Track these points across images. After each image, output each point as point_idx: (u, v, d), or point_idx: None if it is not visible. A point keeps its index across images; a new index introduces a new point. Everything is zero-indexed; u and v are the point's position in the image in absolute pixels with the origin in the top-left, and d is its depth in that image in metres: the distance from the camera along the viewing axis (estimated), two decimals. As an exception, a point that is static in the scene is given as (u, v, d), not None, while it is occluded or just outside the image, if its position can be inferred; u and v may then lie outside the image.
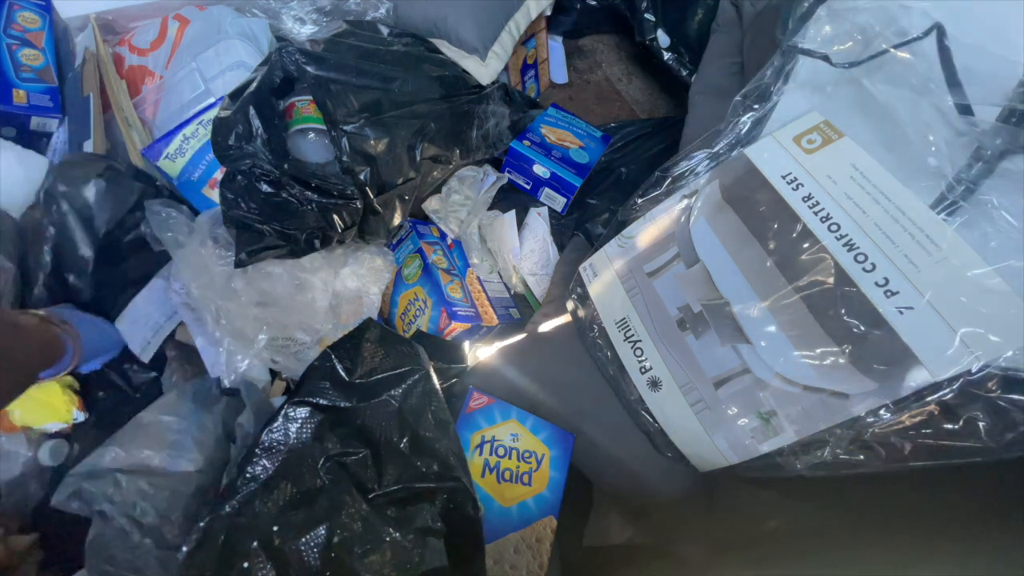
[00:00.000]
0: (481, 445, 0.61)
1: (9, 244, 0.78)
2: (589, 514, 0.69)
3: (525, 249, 0.93)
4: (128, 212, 0.78)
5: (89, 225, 0.76)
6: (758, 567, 0.54)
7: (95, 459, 0.60)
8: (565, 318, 0.72)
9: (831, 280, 0.49)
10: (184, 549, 0.49)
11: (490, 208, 0.95)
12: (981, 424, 0.43)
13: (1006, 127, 0.43)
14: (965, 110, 0.44)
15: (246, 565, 0.47)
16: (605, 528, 0.67)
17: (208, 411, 0.68)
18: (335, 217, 0.74)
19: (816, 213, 0.52)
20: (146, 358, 0.79)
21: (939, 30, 0.45)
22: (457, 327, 0.80)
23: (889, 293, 0.47)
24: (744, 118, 0.58)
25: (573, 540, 0.68)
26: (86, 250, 0.76)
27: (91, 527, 0.56)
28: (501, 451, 0.61)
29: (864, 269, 0.48)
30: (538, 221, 0.95)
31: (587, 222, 0.94)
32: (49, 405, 0.71)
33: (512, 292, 0.93)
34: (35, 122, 0.91)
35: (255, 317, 0.74)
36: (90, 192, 0.75)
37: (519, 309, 0.90)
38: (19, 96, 0.89)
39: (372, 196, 0.77)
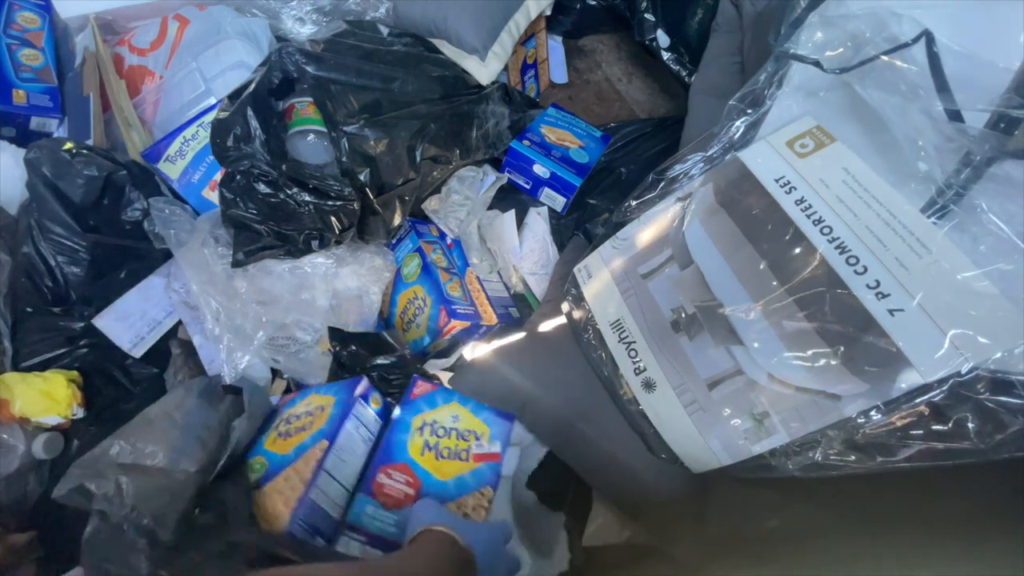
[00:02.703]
0: (422, 427, 0.64)
1: (6, 239, 0.78)
2: (588, 515, 0.70)
3: (525, 248, 0.93)
4: (105, 190, 0.79)
5: (63, 196, 0.76)
6: (755, 567, 0.55)
7: (100, 451, 0.60)
8: (562, 319, 0.72)
9: (823, 282, 0.50)
10: None
11: (489, 208, 0.95)
12: (970, 425, 0.44)
13: (994, 133, 0.43)
14: (954, 116, 0.44)
15: None
16: (604, 528, 0.68)
17: (214, 410, 0.69)
18: (332, 219, 0.75)
19: (808, 216, 0.53)
20: (137, 354, 0.79)
21: (928, 37, 0.45)
22: (456, 325, 0.81)
23: (880, 295, 0.47)
24: (738, 122, 0.59)
25: (573, 540, 0.69)
26: (68, 220, 0.76)
27: (88, 524, 0.57)
28: (441, 432, 0.64)
29: (856, 272, 0.49)
30: (538, 221, 0.96)
31: (587, 222, 0.95)
32: (50, 397, 0.70)
33: (512, 292, 0.94)
34: (35, 122, 0.91)
35: (255, 315, 0.75)
36: (58, 168, 0.76)
37: (518, 309, 0.91)
38: (19, 96, 0.89)
39: (372, 197, 0.77)
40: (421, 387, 0.68)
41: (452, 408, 0.66)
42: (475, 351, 0.73)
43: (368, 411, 0.67)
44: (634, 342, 0.60)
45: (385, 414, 0.68)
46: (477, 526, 0.52)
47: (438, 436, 0.63)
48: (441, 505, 0.53)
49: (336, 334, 0.78)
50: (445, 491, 0.59)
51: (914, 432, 0.46)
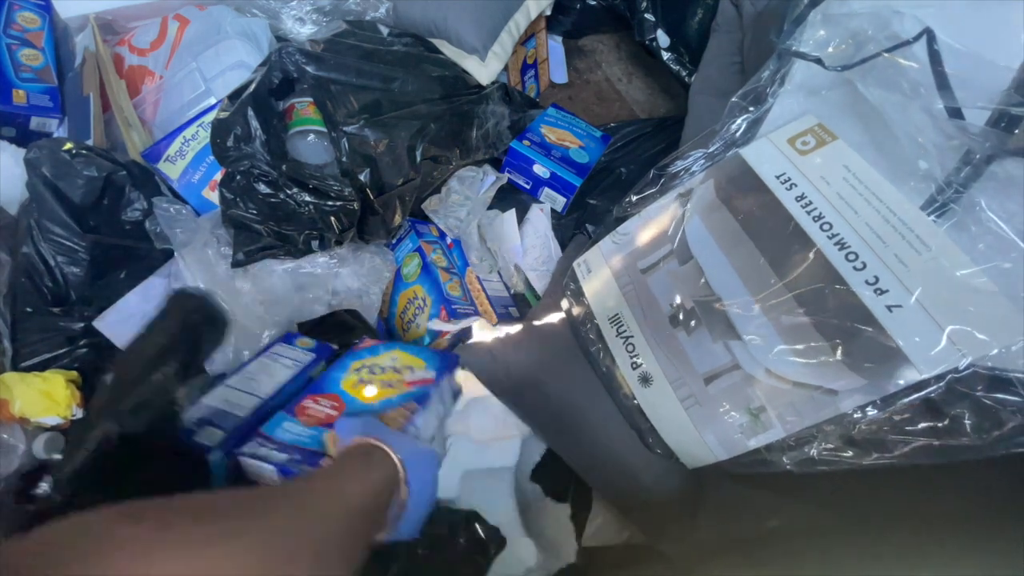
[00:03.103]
0: (359, 369, 0.65)
1: (6, 239, 0.78)
2: (588, 515, 0.70)
3: (526, 245, 0.94)
4: (105, 190, 0.79)
5: (63, 196, 0.77)
6: (754, 567, 0.54)
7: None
8: (562, 313, 0.72)
9: (822, 278, 0.50)
10: None
11: (490, 208, 0.95)
12: (967, 422, 0.44)
13: (995, 131, 0.44)
14: (955, 114, 0.45)
15: None
16: (604, 528, 0.68)
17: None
18: (332, 219, 0.75)
19: (809, 213, 0.53)
20: None
21: (929, 34, 0.45)
22: (456, 325, 0.81)
23: (879, 291, 0.47)
24: (740, 120, 0.59)
25: (580, 531, 0.69)
26: (68, 220, 0.77)
27: None
28: (378, 370, 0.64)
29: (855, 268, 0.49)
30: (540, 217, 0.96)
31: (587, 222, 0.95)
32: (50, 397, 0.70)
33: (512, 291, 0.94)
34: (35, 122, 0.91)
35: (259, 316, 0.75)
36: (58, 168, 0.76)
37: (518, 308, 0.91)
38: (19, 96, 0.89)
39: (372, 197, 0.78)
40: (366, 342, 0.70)
41: (393, 353, 0.67)
42: (481, 331, 0.73)
43: (289, 347, 0.70)
44: (632, 336, 0.60)
45: (319, 351, 0.71)
46: (408, 441, 0.48)
47: (374, 374, 0.64)
48: (371, 419, 0.51)
49: (303, 324, 0.79)
50: (369, 409, 0.59)
51: (911, 428, 0.46)
